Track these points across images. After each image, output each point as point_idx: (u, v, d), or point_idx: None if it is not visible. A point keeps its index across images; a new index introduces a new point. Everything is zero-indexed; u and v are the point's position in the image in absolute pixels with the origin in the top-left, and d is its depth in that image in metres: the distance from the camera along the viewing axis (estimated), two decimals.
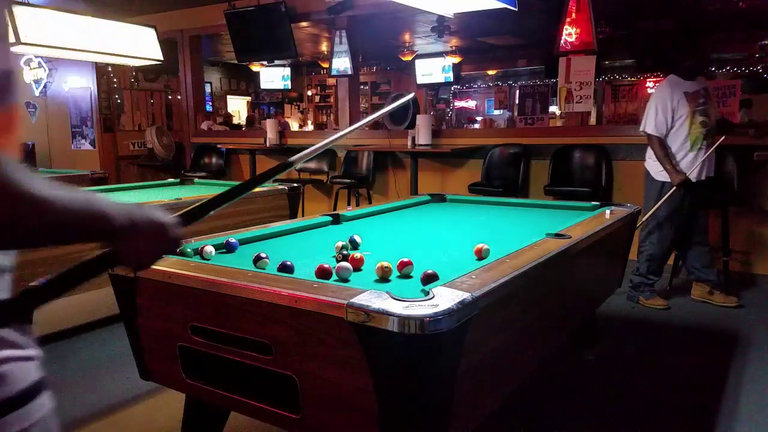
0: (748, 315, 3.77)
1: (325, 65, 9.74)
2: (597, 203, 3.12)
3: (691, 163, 3.67)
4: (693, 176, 3.67)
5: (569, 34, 4.89)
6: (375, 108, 12.07)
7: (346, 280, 1.63)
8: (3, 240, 0.72)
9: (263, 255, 1.79)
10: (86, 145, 7.62)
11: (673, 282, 4.22)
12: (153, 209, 0.88)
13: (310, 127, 11.89)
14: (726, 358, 3.07)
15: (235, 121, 11.26)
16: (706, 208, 3.93)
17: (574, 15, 4.86)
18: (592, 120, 7.92)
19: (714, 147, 3.70)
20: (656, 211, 3.82)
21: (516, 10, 3.35)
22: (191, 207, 0.99)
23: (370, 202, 5.83)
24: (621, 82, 9.93)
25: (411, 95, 1.82)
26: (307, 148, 1.25)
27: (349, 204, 5.96)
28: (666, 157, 3.67)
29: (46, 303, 0.82)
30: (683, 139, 3.67)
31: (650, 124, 3.71)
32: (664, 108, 3.66)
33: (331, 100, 12.64)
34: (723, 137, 3.67)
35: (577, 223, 2.51)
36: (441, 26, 7.85)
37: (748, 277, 4.49)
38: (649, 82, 9.55)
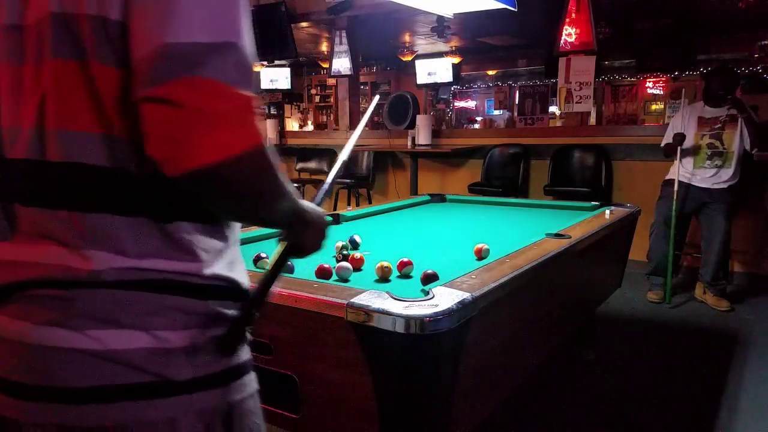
0: (748, 315, 3.77)
1: (325, 65, 9.74)
2: (597, 203, 3.12)
3: (692, 175, 3.97)
4: (693, 181, 3.94)
5: (569, 34, 4.88)
6: (375, 108, 12.07)
7: (346, 280, 1.63)
8: (250, 217, 0.83)
9: (263, 255, 1.79)
10: None
11: (673, 282, 4.22)
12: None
13: (310, 127, 11.89)
14: (726, 358, 3.07)
15: None
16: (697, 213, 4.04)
17: (574, 15, 4.86)
18: (592, 120, 7.90)
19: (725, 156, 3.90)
20: (655, 210, 3.96)
21: (516, 10, 3.35)
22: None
23: (370, 202, 5.83)
24: (621, 82, 9.91)
25: (376, 98, 1.88)
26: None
27: (349, 204, 5.96)
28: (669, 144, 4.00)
29: (263, 304, 0.88)
30: (689, 155, 4.00)
31: (664, 138, 4.11)
32: (675, 125, 4.05)
33: (331, 100, 12.63)
34: (745, 114, 3.81)
35: (577, 223, 2.52)
36: (441, 26, 7.84)
37: (749, 277, 4.49)
38: (649, 82, 9.55)
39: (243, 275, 0.87)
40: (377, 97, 1.98)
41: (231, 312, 0.83)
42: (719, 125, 3.89)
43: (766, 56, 7.57)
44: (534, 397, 2.58)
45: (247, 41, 0.72)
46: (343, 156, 1.27)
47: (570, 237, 2.15)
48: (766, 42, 7.26)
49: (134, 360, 0.74)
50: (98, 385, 0.73)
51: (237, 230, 0.88)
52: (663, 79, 9.36)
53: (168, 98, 0.65)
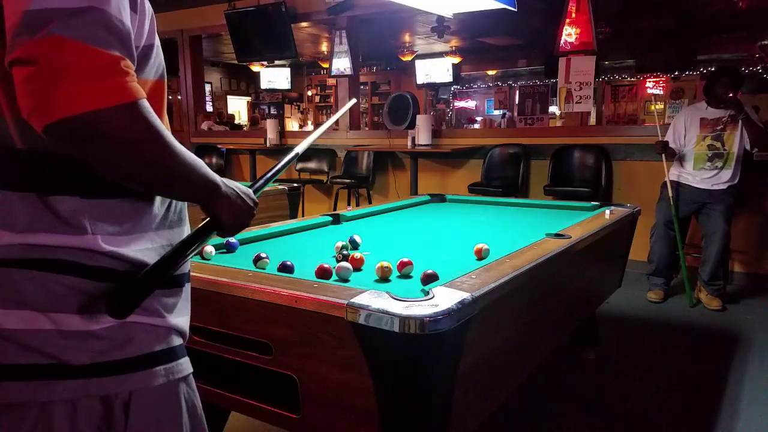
0: (747, 315, 3.77)
1: (325, 65, 9.73)
2: (597, 203, 3.12)
3: (692, 176, 3.98)
4: (691, 182, 3.95)
5: (569, 34, 4.88)
6: (375, 108, 12.08)
7: (346, 280, 1.63)
8: (138, 179, 0.79)
9: (263, 255, 1.79)
10: None
11: (673, 282, 4.22)
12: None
13: (310, 127, 11.89)
14: (726, 358, 3.07)
15: (236, 121, 11.26)
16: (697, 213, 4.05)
17: (573, 15, 4.85)
18: (592, 120, 7.91)
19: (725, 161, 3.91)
20: (655, 212, 3.98)
21: (516, 10, 3.35)
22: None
23: (370, 203, 5.83)
24: (621, 82, 9.91)
25: (353, 101, 1.90)
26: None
27: (349, 204, 5.96)
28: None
29: (167, 274, 0.87)
30: (689, 156, 4.00)
31: (666, 136, 4.11)
32: (676, 126, 4.08)
33: (331, 100, 12.63)
34: (743, 115, 3.82)
35: (577, 223, 2.52)
36: (441, 26, 7.85)
37: (749, 276, 4.49)
38: (649, 82, 9.54)
39: (152, 258, 0.86)
40: (353, 100, 1.99)
41: (154, 301, 0.84)
42: (721, 126, 3.89)
43: (766, 56, 7.57)
44: (534, 397, 2.58)
45: (116, 8, 0.73)
46: (298, 149, 1.28)
47: (570, 237, 2.15)
48: (766, 42, 7.25)
49: (29, 341, 0.76)
50: None
51: (152, 211, 0.87)
52: (663, 79, 9.36)
53: (25, 57, 0.68)
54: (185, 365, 0.91)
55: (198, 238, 0.91)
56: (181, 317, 0.92)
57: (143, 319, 0.84)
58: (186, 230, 0.95)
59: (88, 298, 0.79)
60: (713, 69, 4.40)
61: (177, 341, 0.90)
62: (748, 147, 3.85)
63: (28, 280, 0.77)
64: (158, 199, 0.88)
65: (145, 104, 0.74)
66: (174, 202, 0.92)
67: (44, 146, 0.77)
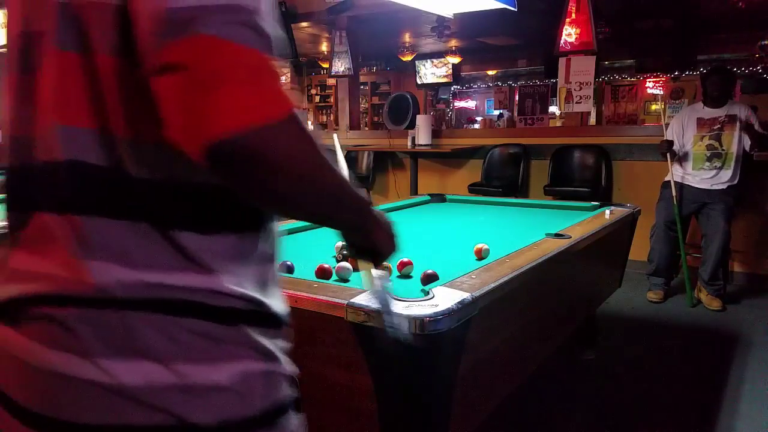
0: (747, 315, 3.77)
1: (325, 65, 9.73)
2: (597, 203, 3.12)
3: (692, 176, 3.98)
4: (691, 182, 3.97)
5: (569, 34, 4.88)
6: (375, 108, 12.08)
7: (346, 280, 1.63)
8: (304, 202, 0.69)
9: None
10: None
11: (673, 282, 4.22)
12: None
13: (310, 127, 11.88)
14: (726, 358, 3.07)
15: None
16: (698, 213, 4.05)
17: (573, 15, 4.85)
18: (592, 120, 7.91)
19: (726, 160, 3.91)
20: (655, 212, 4.02)
21: (516, 10, 3.35)
22: None
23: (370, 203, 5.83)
24: (621, 82, 9.90)
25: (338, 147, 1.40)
26: None
27: None
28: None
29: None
30: (689, 156, 4.01)
31: (666, 136, 4.08)
32: (674, 126, 4.10)
33: (331, 100, 12.63)
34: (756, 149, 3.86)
35: (577, 223, 2.52)
36: (441, 26, 7.84)
37: (748, 277, 4.49)
38: (649, 82, 9.54)
39: (277, 298, 0.77)
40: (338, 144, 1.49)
41: (269, 344, 0.73)
42: (718, 126, 3.89)
43: (766, 56, 7.56)
44: (534, 397, 2.58)
45: (265, 11, 0.63)
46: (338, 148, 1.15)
47: (570, 237, 2.15)
48: (766, 42, 7.24)
49: (149, 397, 0.65)
50: (108, 424, 0.65)
51: (271, 244, 0.77)
52: (663, 79, 9.35)
53: (173, 62, 0.58)
54: (301, 422, 0.79)
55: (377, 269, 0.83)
56: (293, 364, 0.79)
57: (263, 366, 0.72)
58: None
59: (212, 344, 0.68)
60: (705, 69, 4.40)
61: (294, 391, 0.78)
62: (747, 148, 3.85)
63: (148, 325, 0.65)
64: (265, 231, 0.76)
65: (299, 113, 0.63)
66: (273, 233, 0.79)
67: (165, 174, 0.67)
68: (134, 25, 0.61)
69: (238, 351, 0.69)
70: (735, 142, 3.84)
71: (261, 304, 0.73)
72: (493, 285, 1.50)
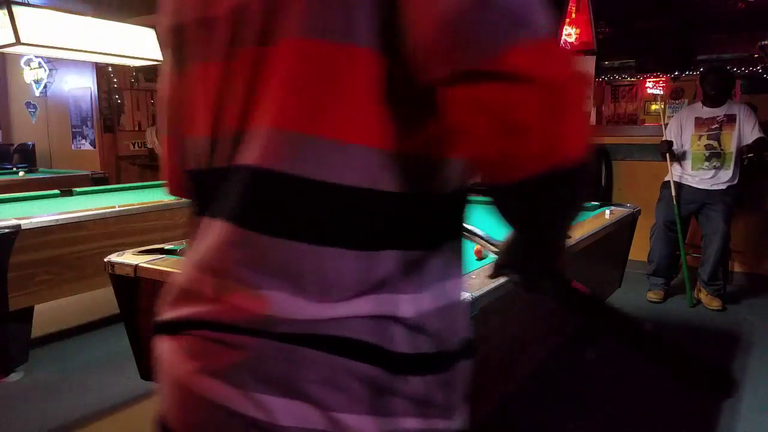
0: (747, 315, 3.77)
1: None
2: (597, 203, 3.12)
3: (692, 176, 3.96)
4: (691, 182, 3.95)
5: (569, 34, 4.88)
6: None
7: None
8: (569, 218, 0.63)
9: None
10: (86, 145, 7.62)
11: (673, 282, 4.22)
12: None
13: None
14: (726, 358, 3.07)
15: None
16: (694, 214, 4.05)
17: (573, 15, 4.85)
18: (592, 120, 7.91)
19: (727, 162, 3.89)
20: (655, 213, 4.02)
21: None
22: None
23: None
24: (621, 82, 9.91)
25: None
26: None
27: None
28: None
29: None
30: (688, 156, 4.00)
31: (666, 136, 4.07)
32: (674, 125, 4.09)
33: None
34: (751, 154, 3.83)
35: (577, 223, 2.52)
36: None
37: (748, 277, 4.49)
38: (649, 82, 9.54)
39: (466, 328, 0.68)
40: None
41: (440, 395, 0.64)
42: (717, 126, 3.89)
43: (766, 56, 7.56)
44: (533, 397, 2.58)
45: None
46: None
47: (570, 237, 2.14)
48: (766, 42, 7.24)
49: None
50: None
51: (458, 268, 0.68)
52: (663, 79, 9.35)
53: (509, 71, 0.48)
54: None
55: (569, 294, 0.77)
56: (461, 417, 0.69)
57: (423, 424, 0.63)
58: None
59: (379, 393, 0.60)
60: (703, 69, 4.40)
61: None
62: (743, 150, 3.84)
63: (311, 362, 0.58)
64: (455, 250, 0.70)
65: None
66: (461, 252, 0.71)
67: (415, 188, 0.60)
68: (411, 13, 0.51)
69: (404, 405, 0.61)
70: (734, 141, 3.84)
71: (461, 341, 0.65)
72: (493, 285, 1.50)
